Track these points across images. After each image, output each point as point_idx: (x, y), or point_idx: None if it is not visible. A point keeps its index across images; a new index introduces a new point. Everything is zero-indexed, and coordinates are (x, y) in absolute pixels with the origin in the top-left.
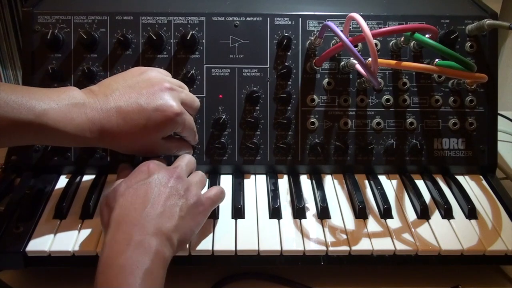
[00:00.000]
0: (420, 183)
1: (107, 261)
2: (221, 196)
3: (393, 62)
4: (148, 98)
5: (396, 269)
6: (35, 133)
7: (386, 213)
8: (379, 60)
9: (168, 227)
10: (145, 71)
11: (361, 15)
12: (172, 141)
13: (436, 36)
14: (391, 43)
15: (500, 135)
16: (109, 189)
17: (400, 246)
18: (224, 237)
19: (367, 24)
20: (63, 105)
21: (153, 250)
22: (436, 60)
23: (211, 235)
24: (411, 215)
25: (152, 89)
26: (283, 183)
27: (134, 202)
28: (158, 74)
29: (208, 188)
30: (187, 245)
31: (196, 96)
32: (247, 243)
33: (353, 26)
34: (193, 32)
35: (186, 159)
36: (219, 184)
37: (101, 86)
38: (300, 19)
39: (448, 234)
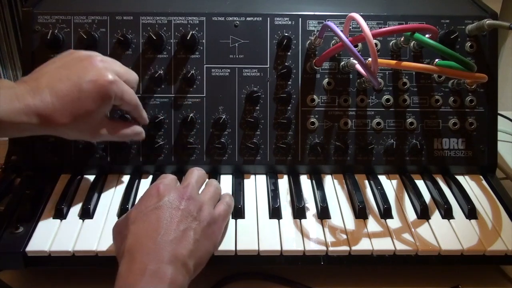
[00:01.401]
0: (420, 183)
1: None
2: (229, 210)
3: (393, 62)
4: (79, 72)
5: (396, 269)
6: None
7: (386, 213)
8: (379, 60)
9: (183, 253)
10: (74, 51)
11: (361, 15)
12: (118, 121)
13: (436, 36)
14: (391, 43)
15: (500, 135)
16: (121, 218)
17: (400, 246)
18: (224, 237)
19: (367, 24)
20: None
21: (168, 279)
22: (436, 60)
23: None
24: (411, 215)
25: (82, 64)
26: (283, 183)
27: (146, 229)
28: (88, 52)
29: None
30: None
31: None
32: (247, 243)
33: (353, 26)
34: (193, 32)
35: (196, 175)
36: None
37: (32, 73)
38: (300, 19)
39: (448, 234)
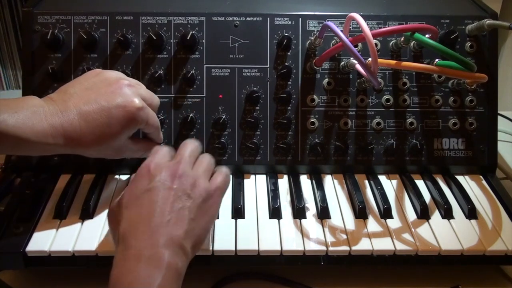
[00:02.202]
0: (420, 183)
1: (117, 280)
2: (227, 180)
3: (393, 62)
4: (107, 97)
5: (396, 269)
6: None
7: (386, 213)
8: (379, 60)
9: (179, 235)
10: (100, 72)
11: (361, 15)
12: (139, 142)
13: (436, 36)
14: (391, 43)
15: (500, 135)
16: (114, 202)
17: (400, 246)
18: (224, 237)
19: (367, 24)
20: (22, 113)
21: (164, 264)
22: (436, 60)
23: (211, 235)
24: (411, 215)
25: (111, 88)
26: (283, 183)
27: (140, 213)
28: (114, 74)
29: None
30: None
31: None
32: (247, 243)
33: (353, 26)
34: (193, 32)
35: (189, 148)
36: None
37: (59, 92)
38: (300, 19)
39: (448, 234)
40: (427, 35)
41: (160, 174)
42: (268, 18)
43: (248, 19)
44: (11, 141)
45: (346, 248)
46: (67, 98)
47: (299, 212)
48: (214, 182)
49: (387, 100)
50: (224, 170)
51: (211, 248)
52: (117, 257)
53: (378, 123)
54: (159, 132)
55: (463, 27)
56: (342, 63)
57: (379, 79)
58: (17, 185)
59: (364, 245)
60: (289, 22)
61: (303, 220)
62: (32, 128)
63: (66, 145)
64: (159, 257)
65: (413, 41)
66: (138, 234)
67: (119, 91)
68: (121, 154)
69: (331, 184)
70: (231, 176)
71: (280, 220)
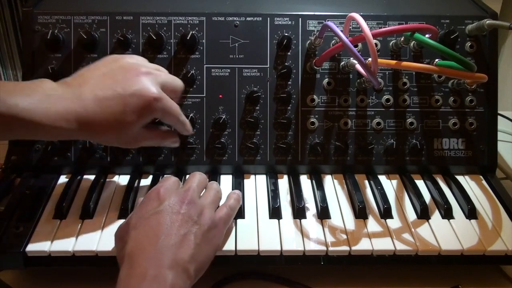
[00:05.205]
0: (420, 183)
1: None
2: (231, 214)
3: (393, 62)
4: (124, 84)
5: (396, 269)
6: (8, 125)
7: (386, 213)
8: (379, 60)
9: (184, 258)
10: (119, 58)
11: (361, 15)
12: (154, 131)
13: (436, 36)
14: (391, 43)
15: (500, 135)
16: (123, 222)
17: (400, 246)
18: (224, 237)
19: (367, 24)
20: (36, 96)
21: (168, 284)
22: (436, 60)
23: None
24: (411, 215)
25: (128, 75)
26: (283, 183)
27: (147, 234)
28: (133, 60)
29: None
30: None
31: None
32: (247, 243)
33: (353, 26)
34: (193, 32)
35: (197, 179)
36: (218, 184)
37: (75, 77)
38: (300, 19)
39: (448, 234)
40: (427, 35)
41: (170, 198)
42: (268, 18)
43: (248, 19)
44: (24, 125)
45: (346, 248)
46: (83, 83)
47: (299, 212)
48: (219, 213)
49: (387, 100)
50: (231, 203)
51: None
52: (122, 273)
53: (378, 123)
54: (182, 123)
55: (463, 27)
56: (342, 63)
57: (379, 79)
58: (17, 185)
59: (364, 245)
60: (289, 22)
61: (303, 220)
62: (45, 112)
63: (80, 130)
64: (163, 278)
65: (413, 41)
66: (144, 254)
67: (135, 78)
68: (136, 143)
69: (331, 184)
70: (237, 209)
71: (280, 220)
